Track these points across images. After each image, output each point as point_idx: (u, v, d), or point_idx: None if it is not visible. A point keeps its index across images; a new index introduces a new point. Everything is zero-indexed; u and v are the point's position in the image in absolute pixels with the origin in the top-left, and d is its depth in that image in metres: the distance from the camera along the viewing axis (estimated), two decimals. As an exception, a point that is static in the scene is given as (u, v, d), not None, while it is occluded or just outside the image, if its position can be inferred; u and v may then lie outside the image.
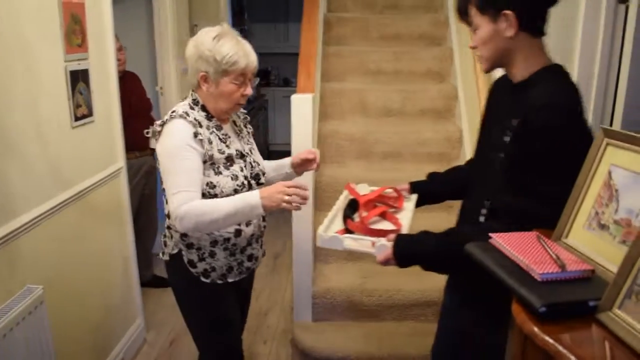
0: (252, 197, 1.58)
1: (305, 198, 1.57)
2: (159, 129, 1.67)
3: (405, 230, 1.57)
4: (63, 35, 2.11)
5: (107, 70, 2.53)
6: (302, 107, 2.53)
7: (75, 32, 2.20)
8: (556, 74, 1.36)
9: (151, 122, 3.18)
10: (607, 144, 1.17)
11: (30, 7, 1.92)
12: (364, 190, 1.82)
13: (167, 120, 1.65)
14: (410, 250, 1.40)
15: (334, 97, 3.42)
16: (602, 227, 1.13)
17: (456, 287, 1.65)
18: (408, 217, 1.65)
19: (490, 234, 1.20)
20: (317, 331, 2.67)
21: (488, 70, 1.44)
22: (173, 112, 1.66)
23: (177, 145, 1.60)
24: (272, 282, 3.63)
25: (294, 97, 2.53)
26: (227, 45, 1.63)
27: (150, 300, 3.29)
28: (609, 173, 1.15)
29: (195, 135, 1.61)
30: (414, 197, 1.77)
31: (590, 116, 1.98)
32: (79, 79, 2.23)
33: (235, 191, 1.67)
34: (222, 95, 1.67)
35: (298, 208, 1.59)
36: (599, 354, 0.91)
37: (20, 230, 1.85)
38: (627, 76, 1.91)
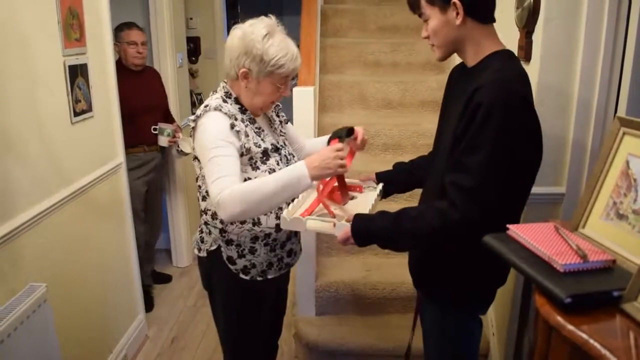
0: (298, 168, 1.49)
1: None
2: (192, 124, 1.61)
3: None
4: (61, 30, 2.07)
5: (106, 65, 2.49)
6: (303, 99, 2.50)
7: (73, 27, 2.16)
8: (504, 58, 1.41)
9: (164, 119, 3.17)
10: (624, 133, 1.17)
11: (28, 1, 1.88)
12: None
13: (200, 114, 1.60)
14: (366, 228, 1.44)
15: (332, 89, 3.40)
16: (621, 217, 1.13)
17: (417, 283, 1.68)
18: (371, 203, 1.68)
19: (509, 228, 1.20)
20: (321, 325, 2.65)
21: (442, 59, 1.49)
22: (206, 105, 1.61)
23: (214, 137, 1.54)
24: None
25: (296, 90, 2.50)
26: (276, 46, 1.57)
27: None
28: (627, 162, 1.14)
29: (232, 126, 1.56)
30: (379, 186, 1.81)
31: (594, 105, 1.97)
32: (77, 73, 2.20)
33: None
34: (260, 94, 1.62)
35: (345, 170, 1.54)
36: (624, 345, 0.90)
37: (22, 227, 1.82)
38: (631, 66, 1.90)
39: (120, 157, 2.63)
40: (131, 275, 2.79)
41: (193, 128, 1.62)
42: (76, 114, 2.19)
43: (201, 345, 2.86)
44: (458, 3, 1.35)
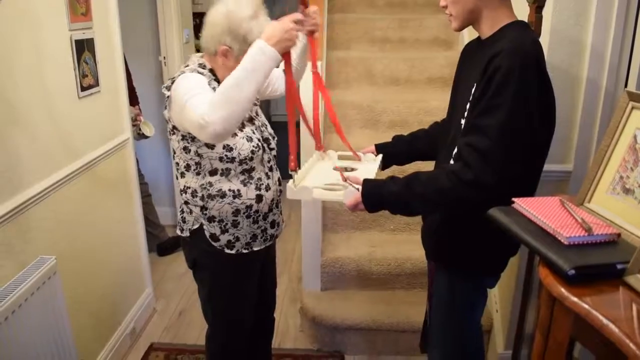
0: (256, 44, 1.43)
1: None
2: (167, 92, 1.58)
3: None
4: (67, 4, 2.06)
5: (112, 40, 2.48)
6: (309, 75, 2.49)
7: (79, 1, 2.15)
8: (520, 28, 1.41)
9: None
10: (633, 108, 1.16)
11: (34, -26, 1.88)
12: (333, 157, 1.84)
13: (175, 77, 1.59)
14: (377, 192, 1.43)
15: (339, 65, 3.38)
16: (627, 191, 1.13)
17: (429, 254, 1.70)
18: (374, 172, 1.67)
19: (514, 201, 1.20)
20: (326, 300, 2.68)
21: (458, 29, 1.50)
22: (181, 72, 1.60)
23: (193, 85, 1.51)
24: (279, 252, 3.62)
25: (302, 66, 2.49)
26: (261, 26, 1.54)
27: (157, 270, 3.32)
28: (635, 137, 1.14)
29: (209, 84, 1.56)
30: (379, 157, 1.81)
31: (603, 83, 1.96)
32: (84, 48, 2.19)
33: (252, 152, 1.63)
34: None
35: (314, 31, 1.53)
36: (626, 316, 0.91)
37: (31, 201, 1.84)
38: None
39: (127, 132, 2.63)
40: (139, 249, 2.82)
41: (168, 97, 1.58)
42: (83, 89, 2.19)
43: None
44: None
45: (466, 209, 1.40)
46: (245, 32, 1.55)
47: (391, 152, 1.84)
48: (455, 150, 1.41)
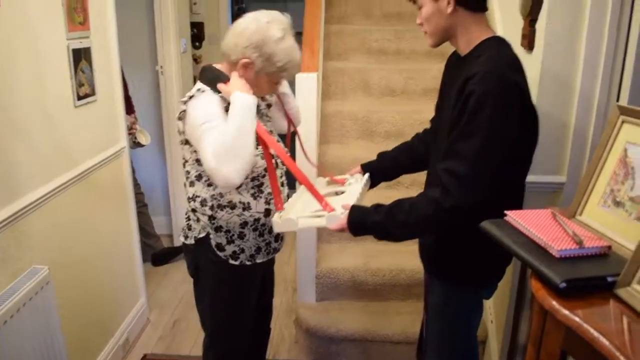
0: (238, 96, 1.54)
1: None
2: (183, 107, 1.61)
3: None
4: (65, 13, 2.08)
5: (109, 49, 2.50)
6: (306, 85, 2.50)
7: (77, 10, 2.17)
8: (495, 45, 1.42)
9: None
10: (623, 122, 1.17)
11: (32, -16, 1.89)
12: (321, 183, 1.90)
13: (193, 95, 1.61)
14: (361, 219, 1.46)
15: (336, 76, 3.39)
16: (618, 204, 1.14)
17: (424, 264, 1.71)
18: (358, 192, 1.70)
19: (507, 214, 1.21)
20: (321, 311, 2.68)
21: (434, 46, 1.52)
22: (199, 89, 1.62)
23: (208, 112, 1.55)
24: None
25: (298, 76, 2.50)
26: (286, 50, 1.59)
27: (151, 280, 3.31)
28: (625, 150, 1.15)
29: (227, 109, 1.57)
30: (365, 177, 1.83)
31: (596, 95, 1.97)
32: (81, 57, 2.20)
33: (265, 170, 1.65)
34: (253, 85, 1.63)
35: None
36: (617, 328, 0.92)
37: (25, 210, 1.84)
38: (633, 55, 1.89)
39: (123, 141, 2.64)
40: (133, 258, 2.81)
41: (183, 111, 1.61)
42: (79, 98, 2.20)
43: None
44: None
45: (451, 231, 1.41)
46: (271, 53, 1.58)
47: (377, 170, 1.87)
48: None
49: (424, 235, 1.58)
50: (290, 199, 1.72)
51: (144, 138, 3.24)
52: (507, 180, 1.34)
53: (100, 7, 2.40)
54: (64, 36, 2.09)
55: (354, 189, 1.76)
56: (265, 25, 1.59)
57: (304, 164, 2.01)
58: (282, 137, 1.92)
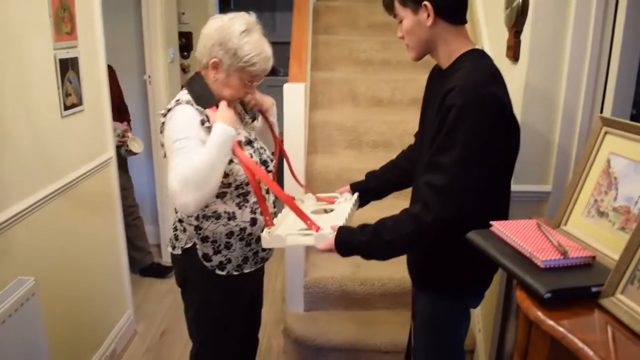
0: (219, 127, 1.54)
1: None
2: (162, 119, 1.61)
3: (342, 223, 1.64)
4: (52, 23, 2.07)
5: (97, 59, 2.49)
6: (294, 96, 2.51)
7: (64, 20, 2.16)
8: (475, 58, 1.44)
9: (118, 115, 3.11)
10: (606, 133, 1.19)
11: (19, -6, 1.88)
12: (311, 199, 1.90)
13: (172, 107, 1.61)
14: (348, 240, 1.48)
15: (323, 86, 3.41)
16: (601, 214, 1.15)
17: (411, 277, 1.72)
18: (347, 212, 1.72)
19: (492, 225, 1.22)
20: (310, 320, 2.67)
21: (416, 59, 1.53)
22: (178, 100, 1.62)
23: (181, 128, 1.55)
24: (262, 272, 3.63)
25: (286, 87, 2.51)
26: (252, 44, 1.58)
27: (138, 291, 3.28)
28: (608, 161, 1.17)
29: (203, 122, 1.57)
30: (354, 196, 1.86)
31: (580, 105, 2.00)
32: (68, 67, 2.20)
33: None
34: (227, 86, 1.64)
35: None
36: (602, 339, 0.93)
37: (11, 220, 1.82)
38: (617, 66, 1.92)
39: (110, 151, 2.63)
40: (120, 269, 2.79)
41: (163, 123, 1.61)
42: (66, 108, 2.19)
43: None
44: (429, 5, 1.39)
45: (437, 244, 1.42)
46: (236, 47, 1.57)
47: (365, 190, 1.89)
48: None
49: (410, 251, 1.59)
50: (280, 215, 1.72)
51: (137, 146, 3.22)
52: (488, 191, 1.35)
53: (88, 17, 2.39)
54: (51, 46, 2.08)
55: (343, 208, 1.77)
56: (228, 22, 1.60)
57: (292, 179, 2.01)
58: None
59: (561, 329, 0.91)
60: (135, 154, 3.24)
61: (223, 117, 1.57)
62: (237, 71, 1.61)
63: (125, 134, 3.16)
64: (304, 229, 1.58)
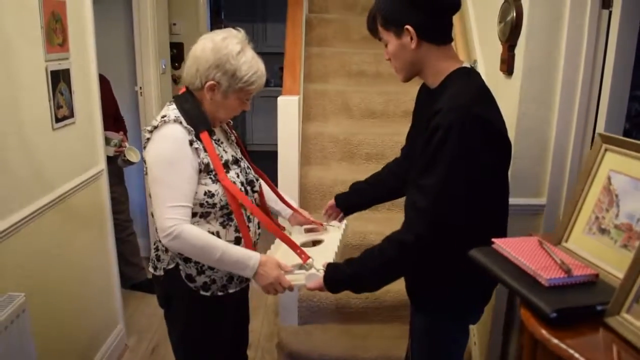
0: (253, 262, 1.55)
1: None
2: (148, 135, 1.56)
3: (331, 257, 1.65)
4: (44, 34, 2.04)
5: (88, 70, 2.46)
6: (288, 109, 2.51)
7: (56, 31, 2.14)
8: (462, 77, 1.42)
9: (114, 125, 3.09)
10: (606, 150, 1.19)
11: (10, 4, 1.86)
12: (300, 230, 1.93)
13: (158, 125, 1.55)
14: (336, 276, 1.49)
15: (317, 98, 3.41)
16: (603, 231, 1.15)
17: (408, 294, 1.70)
18: (336, 245, 1.73)
19: (494, 242, 1.21)
20: (304, 334, 2.65)
21: (405, 80, 1.52)
22: (164, 116, 1.56)
23: (172, 152, 1.51)
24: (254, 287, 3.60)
25: (280, 99, 2.51)
26: (248, 63, 1.55)
27: (129, 305, 3.23)
28: (609, 178, 1.17)
29: (191, 143, 1.53)
30: (343, 224, 1.89)
31: (574, 118, 2.01)
32: (60, 79, 2.17)
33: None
34: (225, 107, 1.60)
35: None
36: (607, 358, 0.92)
37: (1, 235, 1.78)
38: (610, 80, 1.94)
39: (101, 164, 2.59)
40: (111, 284, 2.75)
41: (148, 139, 1.56)
42: (58, 120, 2.16)
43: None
44: (411, 28, 1.37)
45: (428, 261, 1.41)
46: (235, 68, 1.54)
47: (349, 204, 1.92)
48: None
49: (398, 277, 1.54)
50: (272, 246, 1.73)
51: (134, 155, 3.17)
52: (480, 209, 1.34)
53: (80, 29, 2.37)
54: (43, 57, 2.05)
55: (333, 239, 1.78)
56: (221, 43, 1.55)
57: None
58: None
59: (568, 348, 0.91)
60: (133, 163, 3.20)
61: (264, 273, 1.56)
62: (236, 92, 1.58)
63: (122, 143, 3.13)
64: (296, 264, 1.59)
